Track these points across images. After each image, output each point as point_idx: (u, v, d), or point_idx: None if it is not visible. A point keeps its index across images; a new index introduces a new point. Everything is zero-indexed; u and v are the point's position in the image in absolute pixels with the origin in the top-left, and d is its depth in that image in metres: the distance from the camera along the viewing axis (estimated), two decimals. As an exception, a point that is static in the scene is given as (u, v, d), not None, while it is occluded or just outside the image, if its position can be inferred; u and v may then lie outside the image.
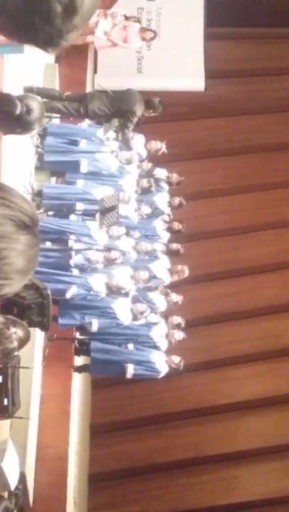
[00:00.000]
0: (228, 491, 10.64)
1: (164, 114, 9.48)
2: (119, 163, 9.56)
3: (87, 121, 9.52)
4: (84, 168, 9.25)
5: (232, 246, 11.81)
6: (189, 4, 11.86)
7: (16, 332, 4.29)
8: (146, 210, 9.63)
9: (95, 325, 8.58)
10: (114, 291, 8.59)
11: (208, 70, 11.94)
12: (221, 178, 12.12)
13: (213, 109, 12.25)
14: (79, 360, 9.44)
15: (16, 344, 4.31)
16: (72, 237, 8.71)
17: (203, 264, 11.06)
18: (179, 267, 9.75)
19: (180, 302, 9.53)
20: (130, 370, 8.73)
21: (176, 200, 10.24)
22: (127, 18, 9.76)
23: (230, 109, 12.34)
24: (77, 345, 9.26)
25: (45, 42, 1.76)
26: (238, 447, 10.78)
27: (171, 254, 9.94)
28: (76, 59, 10.19)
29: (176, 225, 10.09)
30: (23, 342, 4.41)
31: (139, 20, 10.20)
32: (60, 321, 8.42)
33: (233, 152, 12.29)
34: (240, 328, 11.33)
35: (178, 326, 9.30)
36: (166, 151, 9.98)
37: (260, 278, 11.74)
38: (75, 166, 9.26)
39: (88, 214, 8.98)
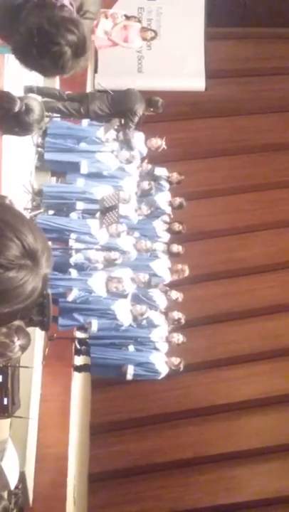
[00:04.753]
0: (228, 490, 10.63)
1: (164, 113, 9.47)
2: (120, 163, 9.56)
3: (87, 120, 9.52)
4: (84, 169, 9.25)
5: (232, 246, 11.81)
6: (190, 4, 11.86)
7: (19, 341, 4.30)
8: (146, 210, 9.63)
9: (94, 325, 8.58)
10: (114, 291, 8.59)
11: (209, 70, 11.94)
12: (221, 177, 12.11)
13: (214, 109, 12.24)
14: (79, 360, 9.45)
15: (19, 354, 4.32)
16: (72, 235, 8.71)
17: (203, 264, 11.06)
18: (179, 266, 9.75)
19: (180, 299, 9.54)
20: (130, 371, 8.73)
21: (177, 200, 10.24)
22: (127, 17, 9.75)
23: (230, 108, 12.34)
24: (77, 344, 9.27)
25: (50, 75, 1.95)
26: (238, 447, 10.78)
27: (172, 255, 9.95)
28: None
29: (177, 226, 10.09)
30: (25, 349, 4.43)
31: (139, 20, 10.20)
32: (61, 321, 8.42)
33: (234, 152, 12.29)
34: (240, 328, 11.32)
35: (178, 321, 9.31)
36: (166, 147, 9.98)
37: (260, 278, 11.74)
38: (75, 167, 9.26)
39: (88, 213, 8.98)
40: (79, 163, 9.23)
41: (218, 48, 12.09)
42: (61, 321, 8.42)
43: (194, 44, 11.88)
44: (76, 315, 8.50)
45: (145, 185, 9.75)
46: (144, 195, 9.77)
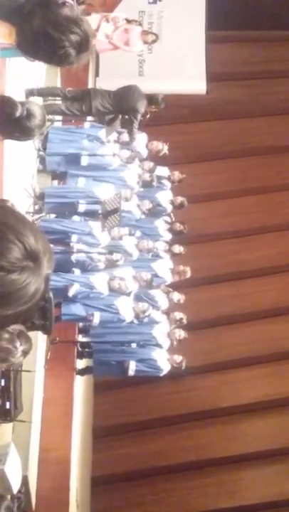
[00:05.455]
0: (231, 494, 10.62)
1: (165, 116, 9.47)
2: (120, 161, 9.57)
3: (89, 123, 9.53)
4: (84, 161, 9.26)
5: (233, 249, 11.80)
6: (190, 7, 11.88)
7: (22, 347, 4.29)
8: (148, 204, 9.64)
9: (96, 317, 8.57)
10: (117, 288, 8.60)
11: (210, 73, 11.95)
12: (222, 180, 12.11)
13: (215, 112, 12.25)
14: (81, 363, 9.45)
15: (21, 359, 4.32)
16: (74, 237, 8.72)
17: (204, 267, 11.05)
18: (181, 267, 9.76)
19: (182, 301, 9.54)
20: (132, 366, 8.74)
21: (179, 199, 10.24)
22: (128, 21, 9.75)
23: (231, 111, 12.34)
24: (79, 348, 9.27)
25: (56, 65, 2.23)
26: (241, 450, 10.76)
27: (173, 255, 9.96)
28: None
29: (178, 226, 10.10)
30: (27, 354, 4.42)
31: (140, 24, 10.19)
32: (64, 310, 8.41)
33: (235, 155, 12.29)
34: (242, 331, 11.31)
35: (180, 322, 9.32)
36: (167, 152, 9.98)
37: (262, 281, 11.73)
38: (75, 159, 9.25)
39: (90, 214, 8.98)
40: (79, 155, 9.23)
41: (219, 51, 12.10)
42: (64, 309, 8.42)
43: (195, 47, 11.89)
44: (79, 306, 8.51)
45: (146, 176, 9.77)
46: (145, 186, 9.78)
